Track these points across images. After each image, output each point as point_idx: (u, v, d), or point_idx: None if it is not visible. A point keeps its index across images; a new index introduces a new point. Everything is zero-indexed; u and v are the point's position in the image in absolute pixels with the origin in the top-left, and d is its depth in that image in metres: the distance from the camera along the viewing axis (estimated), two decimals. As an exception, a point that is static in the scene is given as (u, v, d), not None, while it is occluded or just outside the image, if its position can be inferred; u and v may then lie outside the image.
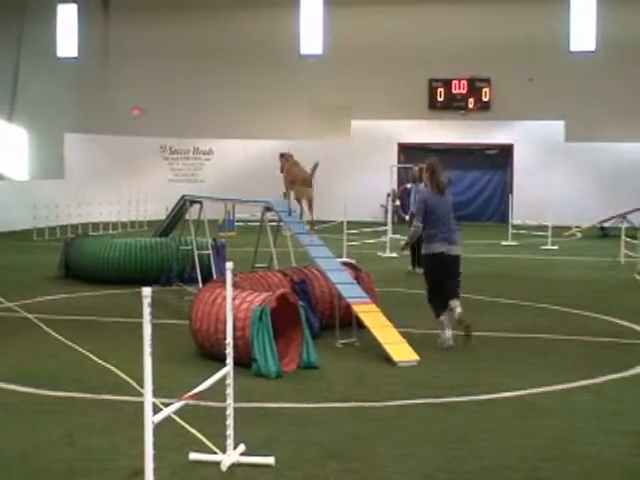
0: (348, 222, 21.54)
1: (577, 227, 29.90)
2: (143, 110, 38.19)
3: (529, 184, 34.36)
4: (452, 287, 10.82)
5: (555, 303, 14.21)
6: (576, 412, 7.83)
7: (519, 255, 22.74)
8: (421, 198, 11.13)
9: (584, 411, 7.86)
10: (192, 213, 15.84)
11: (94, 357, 9.78)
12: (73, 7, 39.23)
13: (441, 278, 10.81)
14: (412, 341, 10.10)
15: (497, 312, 13.53)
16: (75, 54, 39.27)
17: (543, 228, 26.29)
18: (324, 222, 28.72)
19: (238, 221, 29.20)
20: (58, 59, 39.26)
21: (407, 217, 19.01)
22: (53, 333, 11.22)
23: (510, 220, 27.10)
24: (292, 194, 12.74)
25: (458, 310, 10.58)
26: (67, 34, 39.36)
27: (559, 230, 27.86)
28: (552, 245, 24.78)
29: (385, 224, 24.82)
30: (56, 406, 7.97)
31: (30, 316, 12.54)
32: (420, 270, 17.56)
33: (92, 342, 10.64)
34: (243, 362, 8.76)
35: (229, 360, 6.29)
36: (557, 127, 34.88)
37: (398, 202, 30.90)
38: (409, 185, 18.61)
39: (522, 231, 27.16)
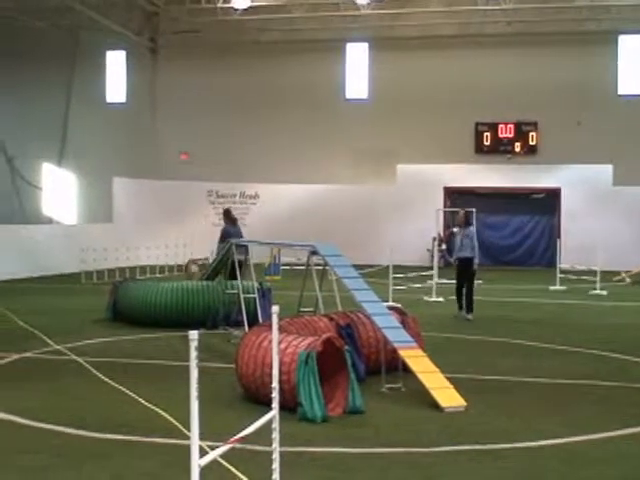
0: (394, 266, 21.53)
1: (627, 272, 29.55)
2: (190, 155, 38.68)
3: (577, 228, 34.11)
4: None
5: (605, 349, 14.06)
6: (625, 461, 7.73)
7: (567, 300, 22.53)
8: None
9: (634, 460, 7.76)
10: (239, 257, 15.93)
11: (142, 400, 9.88)
12: (122, 54, 39.99)
13: None
14: (459, 386, 10.06)
15: (545, 358, 13.41)
16: (123, 99, 39.95)
17: (592, 273, 26.03)
18: (370, 266, 28.73)
19: (283, 265, 29.31)
20: (107, 105, 39.95)
21: (453, 260, 19.01)
22: (101, 376, 11.36)
23: (558, 265, 26.89)
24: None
25: None
26: (116, 80, 40.10)
27: (608, 275, 27.57)
28: (601, 290, 24.52)
29: (431, 268, 24.76)
30: (103, 449, 8.06)
31: (78, 359, 12.70)
32: (469, 315, 17.58)
33: (139, 385, 10.75)
34: (289, 406, 8.80)
35: (275, 404, 6.34)
36: (605, 171, 34.67)
37: (444, 246, 30.84)
38: (455, 229, 18.62)
39: (570, 276, 26.92)
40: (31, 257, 28.26)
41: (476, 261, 18.13)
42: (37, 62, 39.71)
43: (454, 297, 18.43)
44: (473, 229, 18.65)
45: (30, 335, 15.27)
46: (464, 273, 18.07)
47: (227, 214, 19.43)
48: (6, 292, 23.47)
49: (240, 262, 16.17)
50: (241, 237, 18.59)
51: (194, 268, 23.66)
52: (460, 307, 18.17)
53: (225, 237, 18.26)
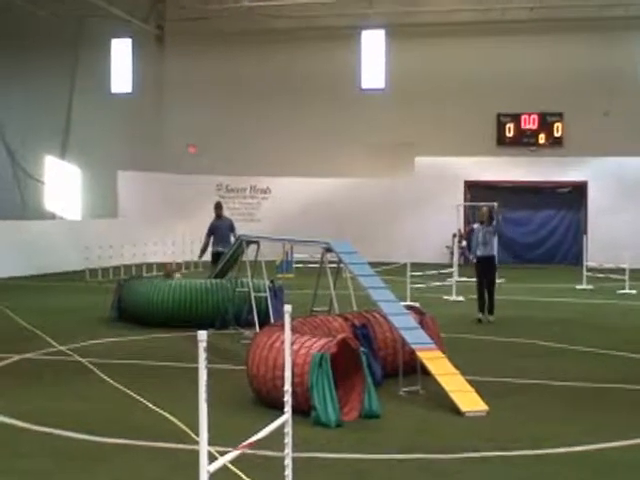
0: (412, 264, 21.50)
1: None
2: (199, 148, 38.73)
3: (604, 224, 33.95)
4: None
5: (634, 351, 14.00)
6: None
7: (595, 300, 22.45)
8: None
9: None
10: (249, 254, 15.98)
11: (148, 403, 9.90)
12: (127, 42, 39.98)
13: None
14: (480, 390, 10.04)
15: (571, 360, 13.37)
16: (129, 89, 39.96)
17: (620, 271, 25.92)
18: (387, 264, 28.70)
19: (296, 262, 29.31)
20: (112, 95, 39.98)
21: (472, 258, 18.94)
22: (106, 378, 11.39)
23: (584, 262, 26.78)
24: None
25: None
26: (121, 69, 40.12)
27: (638, 273, 27.43)
28: (630, 289, 24.41)
29: (451, 266, 24.71)
30: (107, 454, 8.08)
31: (83, 360, 12.75)
32: (492, 317, 17.50)
33: (146, 387, 10.77)
34: (302, 410, 8.80)
35: (287, 408, 6.33)
36: (634, 164, 34.51)
37: (465, 243, 30.77)
38: (476, 225, 18.52)
39: (598, 274, 26.81)
40: (33, 254, 28.35)
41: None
42: (39, 51, 39.79)
43: (475, 297, 18.33)
44: (495, 227, 18.44)
45: (32, 335, 15.33)
46: (487, 272, 17.97)
47: (215, 207, 20.34)
48: (7, 290, 23.58)
49: (218, 254, 18.34)
50: (228, 231, 19.57)
51: (174, 266, 23.79)
52: (481, 309, 17.93)
53: (209, 232, 19.75)
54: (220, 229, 19.69)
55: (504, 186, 34.90)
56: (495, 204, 23.79)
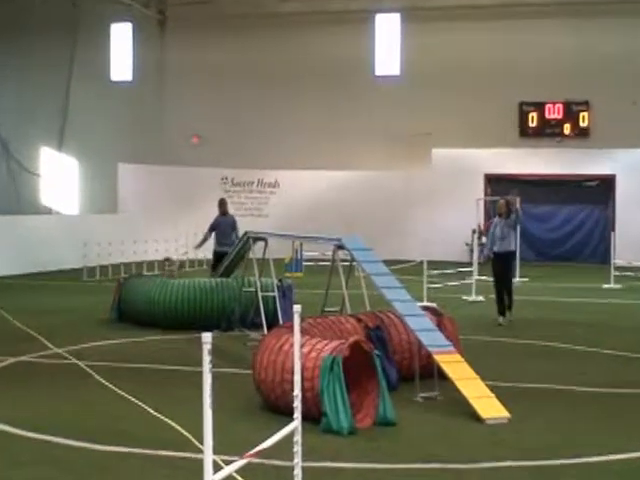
0: (429, 262, 21.48)
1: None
2: (203, 138, 38.75)
3: (634, 220, 33.86)
4: None
5: (664, 354, 13.99)
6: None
7: (623, 300, 22.39)
8: None
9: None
10: (256, 251, 15.99)
11: (150, 409, 9.92)
12: (128, 26, 40.00)
13: None
14: (501, 395, 10.03)
15: (599, 364, 13.34)
16: (130, 77, 40.02)
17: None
18: (402, 262, 28.70)
19: (306, 260, 29.32)
20: (111, 83, 40.05)
21: (487, 254, 18.63)
22: (105, 382, 11.41)
23: (612, 260, 26.72)
24: None
25: None
26: (121, 56, 40.16)
27: (668, 272, 27.41)
28: (660, 289, 24.39)
29: (470, 264, 24.68)
30: (107, 462, 8.10)
31: (80, 363, 12.77)
32: (509, 316, 17.45)
33: (148, 393, 10.79)
34: (312, 416, 8.81)
35: (297, 414, 6.34)
36: (666, 155, 34.43)
37: (484, 239, 30.72)
38: (495, 219, 18.31)
39: (626, 273, 26.75)
40: (28, 251, 28.40)
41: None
42: (34, 36, 39.85)
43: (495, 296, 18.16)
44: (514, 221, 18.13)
45: (27, 337, 15.37)
46: (504, 269, 17.73)
47: (219, 204, 20.60)
48: (0, 289, 23.63)
49: (219, 255, 18.93)
50: (230, 229, 19.84)
51: (174, 259, 23.88)
52: (502, 312, 17.59)
53: (212, 227, 20.06)
54: (221, 226, 19.99)
55: (526, 179, 34.81)
56: (516, 198, 23.68)
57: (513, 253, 17.99)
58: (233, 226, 19.97)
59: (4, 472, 7.80)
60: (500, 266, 17.65)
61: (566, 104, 35.89)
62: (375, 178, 36.30)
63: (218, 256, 19.26)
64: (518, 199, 23.56)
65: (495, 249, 17.65)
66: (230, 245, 18.47)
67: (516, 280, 24.61)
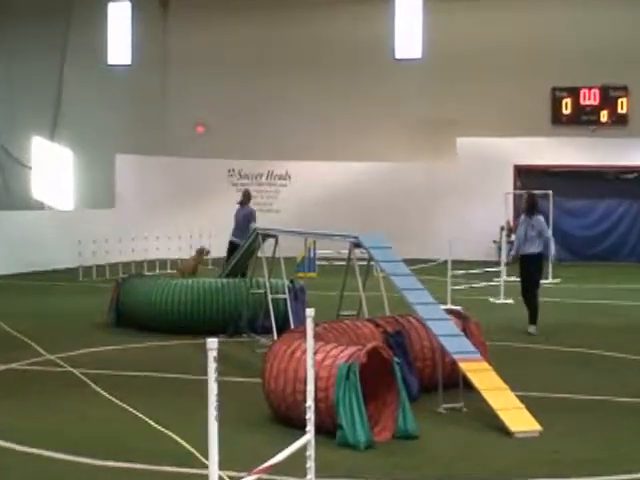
0: (453, 261, 21.45)
1: None
2: (208, 127, 38.77)
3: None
4: None
5: None
6: None
7: (664, 303, 22.35)
8: None
9: None
10: (265, 250, 15.99)
11: (150, 421, 9.93)
12: (126, 5, 40.01)
13: None
14: (532, 407, 10.01)
15: (635, 373, 13.29)
16: (128, 61, 40.04)
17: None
18: (425, 261, 28.67)
19: (320, 259, 29.32)
20: (109, 67, 40.07)
21: (511, 257, 18.25)
22: (102, 392, 11.43)
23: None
24: None
25: None
26: (119, 38, 40.18)
27: None
28: None
29: (498, 263, 24.64)
30: (106, 478, 8.12)
31: (75, 371, 12.80)
32: (533, 328, 17.13)
33: (148, 403, 10.81)
34: (326, 429, 8.81)
35: (310, 427, 6.34)
36: None
37: (514, 237, 30.66)
38: (522, 217, 17.95)
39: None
40: (18, 249, 28.46)
41: (552, 253, 17.51)
42: (25, 17, 39.89)
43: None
44: (541, 218, 17.59)
45: (17, 342, 15.41)
46: (529, 274, 17.23)
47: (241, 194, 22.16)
48: (-11, 291, 23.74)
49: (232, 245, 19.98)
50: (244, 221, 20.75)
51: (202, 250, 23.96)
52: (533, 320, 17.10)
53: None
54: (236, 217, 21.19)
55: (560, 171, 34.75)
56: (550, 192, 23.58)
57: (540, 256, 17.25)
58: (248, 218, 20.70)
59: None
60: (525, 270, 17.27)
61: (603, 89, 35.79)
62: (395, 170, 36.25)
63: (231, 246, 20.34)
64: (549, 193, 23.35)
65: (521, 251, 17.25)
66: (240, 237, 19.55)
67: (547, 282, 24.59)
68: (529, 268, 17.20)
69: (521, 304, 17.58)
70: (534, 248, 17.08)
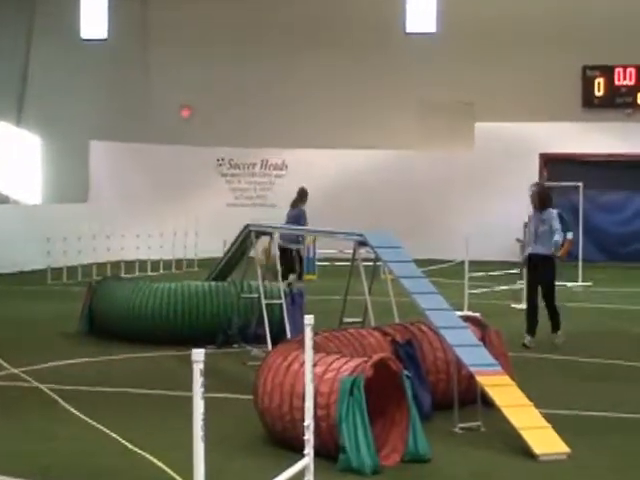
0: (471, 262, 21.45)
1: None
2: (194, 111, 38.78)
3: None
4: None
5: None
6: None
7: None
8: None
9: None
10: (259, 249, 15.98)
11: (126, 442, 9.91)
12: (102, -26, 40.18)
13: None
14: (559, 426, 10.00)
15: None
16: (104, 35, 40.06)
17: None
18: (439, 262, 28.68)
19: (321, 260, 29.34)
20: (82, 42, 40.07)
21: (522, 259, 18.05)
22: (73, 410, 11.41)
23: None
24: None
25: None
26: (94, 10, 40.20)
27: None
28: None
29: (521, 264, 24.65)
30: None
31: (42, 386, 12.79)
32: (560, 337, 16.98)
33: (124, 422, 10.81)
34: (327, 452, 8.80)
35: (308, 449, 6.34)
36: None
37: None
38: (531, 212, 17.61)
39: None
40: (-20, 248, 28.53)
41: (556, 239, 16.29)
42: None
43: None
44: (553, 211, 16.98)
45: (-22, 354, 15.43)
46: (540, 277, 16.67)
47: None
48: (-53, 295, 23.75)
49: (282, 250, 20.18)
50: (291, 223, 21.57)
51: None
52: (530, 330, 16.65)
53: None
54: (287, 219, 22.32)
55: (591, 160, 34.78)
56: (580, 185, 23.52)
57: (549, 258, 16.61)
58: (297, 219, 21.77)
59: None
60: (533, 272, 16.77)
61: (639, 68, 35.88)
62: (405, 159, 36.27)
63: (280, 250, 20.33)
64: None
65: (528, 251, 16.96)
66: (288, 241, 21.13)
67: (577, 284, 24.61)
68: (537, 271, 16.65)
69: (545, 310, 17.12)
70: (542, 248, 16.54)
